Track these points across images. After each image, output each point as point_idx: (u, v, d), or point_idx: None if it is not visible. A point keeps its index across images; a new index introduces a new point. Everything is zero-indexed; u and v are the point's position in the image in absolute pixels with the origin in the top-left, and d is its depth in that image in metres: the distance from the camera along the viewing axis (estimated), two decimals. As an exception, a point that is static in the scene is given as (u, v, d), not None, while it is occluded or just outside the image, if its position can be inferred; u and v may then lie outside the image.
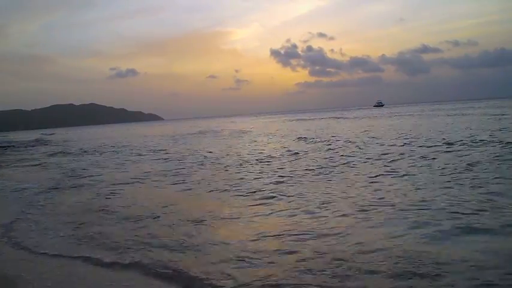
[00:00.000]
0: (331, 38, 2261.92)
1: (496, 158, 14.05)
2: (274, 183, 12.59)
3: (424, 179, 11.59)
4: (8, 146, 50.04)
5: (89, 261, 6.60)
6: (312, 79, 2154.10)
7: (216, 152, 24.78)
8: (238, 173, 15.57)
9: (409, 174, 12.48)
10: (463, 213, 7.81)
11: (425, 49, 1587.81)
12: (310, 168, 15.40)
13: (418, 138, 23.34)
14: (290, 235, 7.22)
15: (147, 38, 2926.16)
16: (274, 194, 10.96)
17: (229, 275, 5.63)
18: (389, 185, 11.15)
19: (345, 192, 10.60)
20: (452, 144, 18.86)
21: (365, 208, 8.75)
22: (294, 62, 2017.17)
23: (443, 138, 21.31)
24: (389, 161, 15.68)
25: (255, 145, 28.52)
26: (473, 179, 11.00)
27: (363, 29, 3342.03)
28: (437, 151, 17.05)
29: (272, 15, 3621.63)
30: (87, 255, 6.82)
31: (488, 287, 4.86)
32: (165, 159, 22.83)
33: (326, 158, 18.07)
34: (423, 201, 8.98)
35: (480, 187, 9.97)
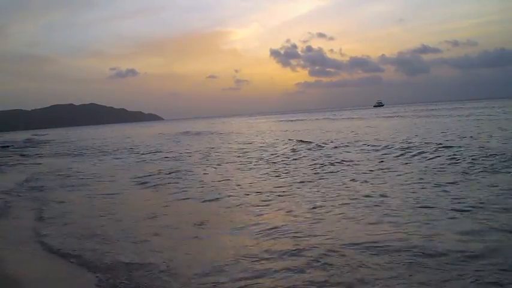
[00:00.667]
0: (331, 38, 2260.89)
1: (424, 168, 13.60)
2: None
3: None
4: None
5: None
6: (312, 79, 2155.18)
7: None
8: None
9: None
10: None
11: (425, 49, 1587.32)
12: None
13: (381, 141, 23.08)
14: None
15: (147, 38, 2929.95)
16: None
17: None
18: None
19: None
20: (406, 148, 18.38)
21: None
22: (293, 62, 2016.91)
23: (407, 142, 20.73)
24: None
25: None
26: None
27: (363, 29, 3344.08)
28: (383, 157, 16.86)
29: (272, 15, 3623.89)
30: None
31: None
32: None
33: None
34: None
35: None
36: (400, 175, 12.68)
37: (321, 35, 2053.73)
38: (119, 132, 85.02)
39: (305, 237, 7.13)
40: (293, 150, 21.86)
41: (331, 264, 5.82)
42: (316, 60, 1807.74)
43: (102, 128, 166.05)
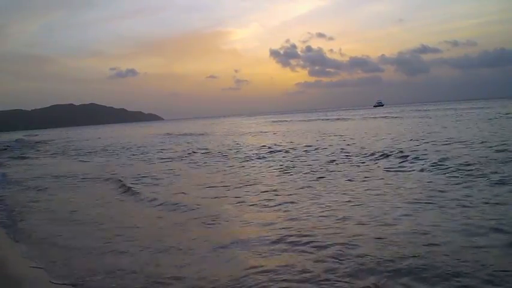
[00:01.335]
0: (331, 38, 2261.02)
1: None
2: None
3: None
4: None
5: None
6: (312, 79, 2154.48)
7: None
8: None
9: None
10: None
11: (424, 49, 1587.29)
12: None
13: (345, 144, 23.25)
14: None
15: (147, 38, 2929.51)
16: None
17: None
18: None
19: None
20: (349, 154, 18.27)
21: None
22: (293, 62, 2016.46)
23: (362, 147, 20.34)
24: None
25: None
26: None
27: (362, 29, 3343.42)
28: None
29: (272, 15, 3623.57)
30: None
31: None
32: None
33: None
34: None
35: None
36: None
37: (321, 35, 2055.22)
38: (106, 133, 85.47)
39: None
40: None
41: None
42: (315, 60, 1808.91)
43: (99, 128, 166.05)
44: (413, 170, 13.30)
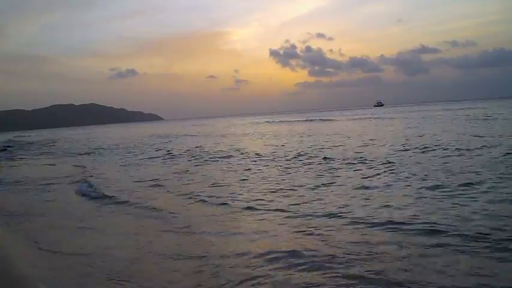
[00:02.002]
0: (330, 38, 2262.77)
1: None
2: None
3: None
4: None
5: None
6: (312, 79, 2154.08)
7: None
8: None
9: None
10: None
11: (424, 49, 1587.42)
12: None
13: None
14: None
15: (147, 38, 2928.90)
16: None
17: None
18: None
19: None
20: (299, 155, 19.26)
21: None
22: (293, 62, 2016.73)
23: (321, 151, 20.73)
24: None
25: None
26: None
27: (362, 29, 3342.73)
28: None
29: (272, 16, 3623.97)
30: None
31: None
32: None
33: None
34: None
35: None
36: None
37: (320, 35, 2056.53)
38: (89, 134, 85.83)
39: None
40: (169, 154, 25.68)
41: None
42: (315, 61, 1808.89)
43: (96, 128, 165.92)
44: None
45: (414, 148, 18.62)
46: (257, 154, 21.23)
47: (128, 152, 29.72)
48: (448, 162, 13.91)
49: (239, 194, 11.17)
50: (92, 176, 16.93)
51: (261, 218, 8.52)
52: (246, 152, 22.69)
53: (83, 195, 12.69)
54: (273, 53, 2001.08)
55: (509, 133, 21.98)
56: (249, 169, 16.22)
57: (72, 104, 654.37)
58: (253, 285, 5.22)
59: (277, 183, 12.50)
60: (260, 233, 7.46)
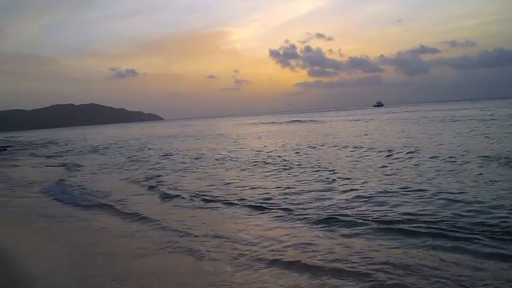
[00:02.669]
0: (330, 39, 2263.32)
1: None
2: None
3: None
4: None
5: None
6: (312, 79, 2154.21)
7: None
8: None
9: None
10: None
11: (423, 49, 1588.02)
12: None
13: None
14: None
15: (147, 38, 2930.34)
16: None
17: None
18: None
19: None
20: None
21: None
22: (293, 62, 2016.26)
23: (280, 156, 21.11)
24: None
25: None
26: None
27: (361, 29, 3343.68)
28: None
29: (272, 16, 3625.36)
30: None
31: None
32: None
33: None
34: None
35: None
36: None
37: (320, 36, 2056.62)
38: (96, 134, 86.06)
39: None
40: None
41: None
42: (315, 61, 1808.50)
43: (93, 128, 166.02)
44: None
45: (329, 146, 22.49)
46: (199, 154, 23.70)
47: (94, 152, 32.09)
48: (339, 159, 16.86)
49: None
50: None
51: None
52: (203, 153, 24.37)
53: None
54: (273, 53, 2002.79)
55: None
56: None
57: (72, 104, 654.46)
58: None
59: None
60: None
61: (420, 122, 40.91)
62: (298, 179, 12.86)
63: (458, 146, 18.06)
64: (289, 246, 6.52)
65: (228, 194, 11.21)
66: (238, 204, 9.89)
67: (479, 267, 5.36)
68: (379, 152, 18.27)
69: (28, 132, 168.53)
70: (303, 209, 8.96)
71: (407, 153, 16.76)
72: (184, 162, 20.21)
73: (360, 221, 7.65)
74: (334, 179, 12.14)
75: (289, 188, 11.52)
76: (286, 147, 24.18)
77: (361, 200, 9.39)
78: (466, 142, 19.61)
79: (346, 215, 8.11)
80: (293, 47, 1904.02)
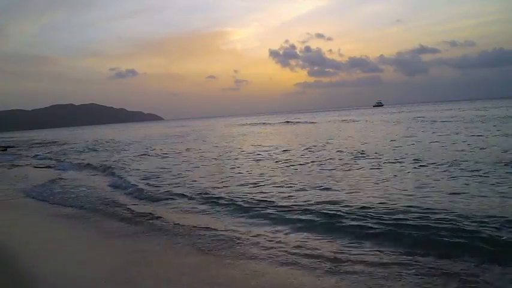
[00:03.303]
0: (329, 39, 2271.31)
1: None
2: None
3: None
4: None
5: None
6: (311, 79, 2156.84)
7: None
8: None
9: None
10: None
11: (423, 49, 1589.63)
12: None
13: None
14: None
15: (147, 38, 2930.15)
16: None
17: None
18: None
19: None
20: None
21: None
22: (292, 62, 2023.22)
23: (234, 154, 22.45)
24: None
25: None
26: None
27: (361, 29, 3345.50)
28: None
29: (272, 16, 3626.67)
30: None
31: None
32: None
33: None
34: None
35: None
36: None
37: (320, 36, 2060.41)
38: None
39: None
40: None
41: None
42: (315, 61, 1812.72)
43: (90, 129, 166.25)
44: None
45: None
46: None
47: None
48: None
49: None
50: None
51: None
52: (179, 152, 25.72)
53: None
54: (273, 53, 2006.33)
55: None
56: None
57: (72, 104, 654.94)
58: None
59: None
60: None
61: (410, 123, 40.39)
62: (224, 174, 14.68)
63: (415, 149, 18.00)
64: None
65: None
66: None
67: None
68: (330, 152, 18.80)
69: (28, 133, 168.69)
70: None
71: (355, 156, 16.58)
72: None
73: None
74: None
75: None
76: (248, 148, 24.89)
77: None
78: (430, 145, 19.33)
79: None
80: (293, 47, 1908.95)
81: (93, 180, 15.50)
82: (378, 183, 10.75)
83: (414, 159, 14.36)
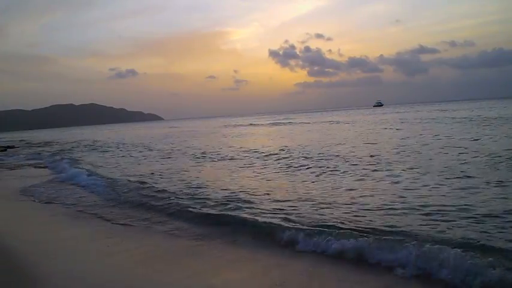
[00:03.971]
0: (329, 39, 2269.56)
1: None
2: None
3: None
4: None
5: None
6: (311, 79, 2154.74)
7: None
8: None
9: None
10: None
11: (422, 50, 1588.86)
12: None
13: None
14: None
15: (147, 38, 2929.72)
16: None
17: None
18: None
19: None
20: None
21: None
22: (292, 62, 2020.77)
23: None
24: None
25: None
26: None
27: (361, 29, 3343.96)
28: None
29: (272, 16, 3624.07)
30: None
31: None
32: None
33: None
34: None
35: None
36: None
37: (319, 36, 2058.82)
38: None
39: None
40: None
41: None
42: (314, 61, 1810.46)
43: (94, 129, 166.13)
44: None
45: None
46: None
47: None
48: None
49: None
50: None
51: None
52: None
53: None
54: (272, 53, 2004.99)
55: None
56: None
57: (72, 104, 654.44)
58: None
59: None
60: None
61: (396, 124, 40.44)
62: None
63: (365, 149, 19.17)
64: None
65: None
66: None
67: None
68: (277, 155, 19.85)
69: (28, 133, 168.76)
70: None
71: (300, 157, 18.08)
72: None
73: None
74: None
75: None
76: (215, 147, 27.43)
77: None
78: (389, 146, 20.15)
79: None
80: (292, 47, 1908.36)
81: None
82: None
83: (318, 159, 16.58)
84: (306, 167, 14.87)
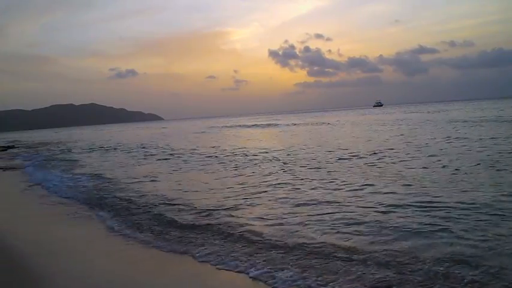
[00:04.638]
0: (329, 39, 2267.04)
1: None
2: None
3: None
4: None
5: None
6: (311, 79, 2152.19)
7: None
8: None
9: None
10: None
11: (422, 50, 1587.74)
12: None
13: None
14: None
15: (147, 38, 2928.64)
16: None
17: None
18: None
19: None
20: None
21: None
22: (292, 62, 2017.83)
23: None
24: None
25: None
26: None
27: (360, 29, 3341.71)
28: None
29: (272, 16, 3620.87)
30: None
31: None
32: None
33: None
34: None
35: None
36: None
37: (319, 36, 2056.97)
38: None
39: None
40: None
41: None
42: (314, 61, 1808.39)
43: (94, 128, 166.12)
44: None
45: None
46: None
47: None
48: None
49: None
50: None
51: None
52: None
53: None
54: (272, 53, 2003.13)
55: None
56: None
57: (72, 104, 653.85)
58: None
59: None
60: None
61: (386, 125, 40.79)
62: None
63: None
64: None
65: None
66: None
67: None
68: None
69: (28, 133, 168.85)
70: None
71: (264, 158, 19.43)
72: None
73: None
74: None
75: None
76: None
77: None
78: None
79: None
80: (292, 47, 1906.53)
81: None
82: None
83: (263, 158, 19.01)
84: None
